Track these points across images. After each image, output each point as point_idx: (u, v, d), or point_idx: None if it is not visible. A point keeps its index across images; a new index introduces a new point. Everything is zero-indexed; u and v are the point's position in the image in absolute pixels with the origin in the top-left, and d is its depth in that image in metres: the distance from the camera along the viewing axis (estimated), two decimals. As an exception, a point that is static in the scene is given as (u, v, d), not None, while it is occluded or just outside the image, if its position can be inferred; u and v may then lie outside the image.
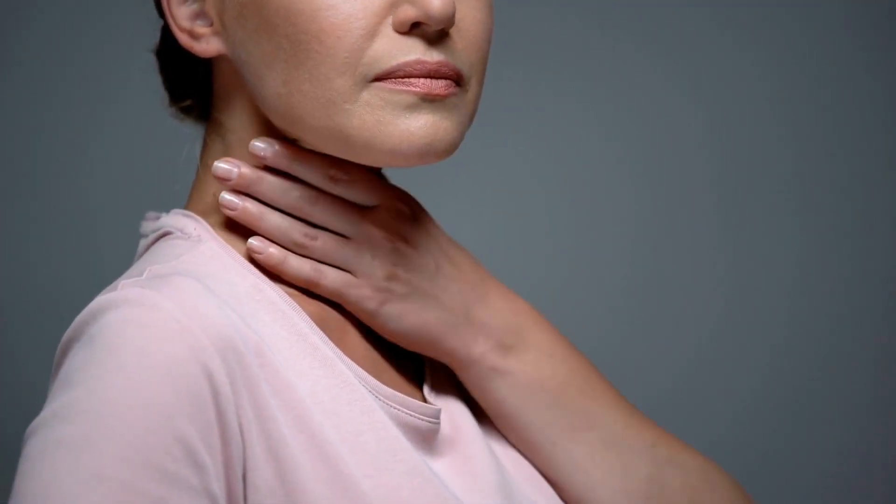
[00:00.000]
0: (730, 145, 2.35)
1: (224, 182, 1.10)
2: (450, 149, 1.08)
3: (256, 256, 1.10)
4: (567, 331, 1.20)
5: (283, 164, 1.10)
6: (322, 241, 1.11)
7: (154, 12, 1.16)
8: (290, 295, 1.09)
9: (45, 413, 0.94)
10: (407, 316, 1.12)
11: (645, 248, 2.36)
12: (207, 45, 1.11)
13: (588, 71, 2.34)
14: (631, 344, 2.36)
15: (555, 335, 1.18)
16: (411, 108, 1.06)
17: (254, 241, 1.10)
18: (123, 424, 0.92)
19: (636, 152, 2.36)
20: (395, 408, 1.08)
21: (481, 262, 1.21)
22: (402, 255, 1.13)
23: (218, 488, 0.95)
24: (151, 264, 1.04)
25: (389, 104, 1.05)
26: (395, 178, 1.17)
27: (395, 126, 1.05)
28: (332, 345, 1.07)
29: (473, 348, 1.14)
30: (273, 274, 1.11)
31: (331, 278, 1.11)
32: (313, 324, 1.08)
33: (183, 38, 1.11)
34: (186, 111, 1.18)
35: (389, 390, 1.08)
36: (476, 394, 1.16)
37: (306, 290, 1.12)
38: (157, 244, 1.11)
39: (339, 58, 1.05)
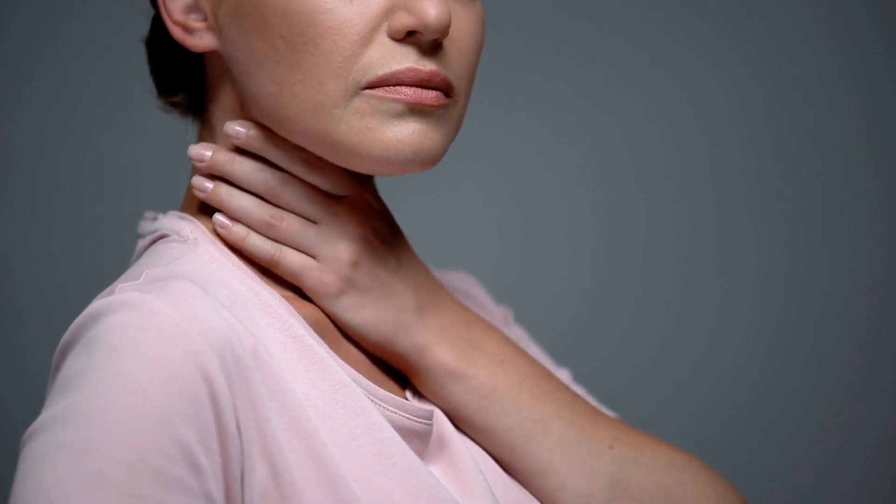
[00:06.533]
0: (693, 141, 2.37)
1: (197, 164, 1.11)
2: (434, 159, 1.08)
3: (220, 231, 1.10)
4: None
5: (257, 146, 1.10)
6: (287, 223, 1.10)
7: (146, 3, 1.16)
8: (286, 298, 1.09)
9: (45, 416, 0.95)
10: (364, 308, 1.11)
11: (619, 244, 2.38)
12: (200, 40, 1.11)
13: (559, 86, 2.36)
14: (604, 335, 2.37)
15: (504, 342, 1.17)
16: (399, 115, 1.05)
17: (219, 217, 1.11)
18: (122, 428, 0.92)
19: (604, 153, 2.37)
20: (391, 410, 1.08)
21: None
22: (369, 244, 1.12)
23: (216, 490, 0.95)
24: (148, 267, 1.04)
25: (378, 111, 1.05)
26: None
27: (382, 133, 1.05)
28: (327, 348, 1.07)
29: (426, 352, 1.13)
30: (269, 277, 1.11)
31: (291, 259, 1.10)
32: (309, 327, 1.08)
33: (176, 32, 1.11)
34: (174, 105, 1.18)
35: (385, 393, 1.08)
36: (432, 398, 1.15)
37: (303, 294, 1.12)
38: (153, 246, 1.11)
39: (334, 62, 1.05)
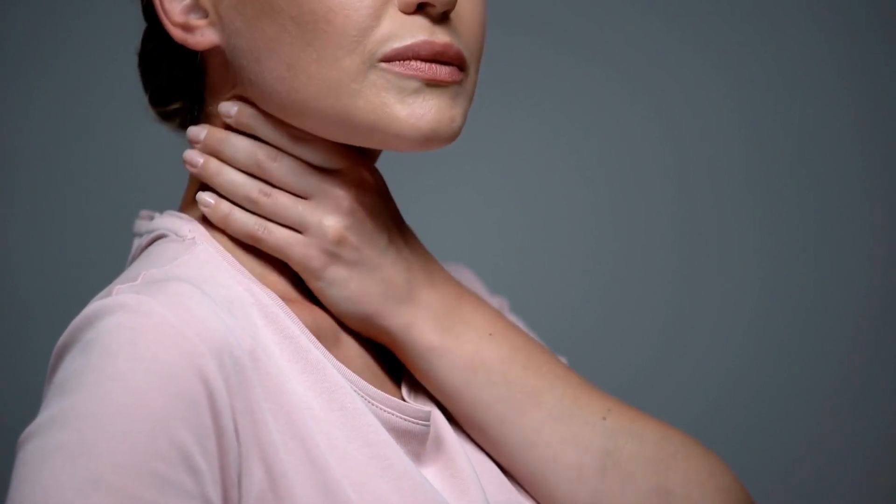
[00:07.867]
0: (693, 141, 2.37)
1: (194, 144, 1.12)
2: (453, 136, 1.08)
3: (204, 209, 1.10)
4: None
5: (246, 122, 1.11)
6: (275, 198, 1.10)
7: (146, 1, 1.15)
8: (283, 299, 1.09)
9: (42, 419, 0.95)
10: (349, 283, 1.10)
11: (619, 244, 2.38)
12: (202, 37, 1.11)
13: (560, 86, 2.36)
14: (604, 335, 2.37)
15: (496, 316, 1.16)
16: (416, 92, 1.06)
17: (203, 195, 1.11)
18: (119, 430, 0.92)
19: (604, 153, 2.37)
20: (387, 411, 1.07)
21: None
22: (357, 220, 1.11)
23: (213, 493, 0.95)
24: (146, 268, 1.04)
25: (394, 87, 1.06)
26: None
27: (399, 110, 1.06)
28: (323, 349, 1.07)
29: (412, 327, 1.12)
30: (266, 279, 1.11)
31: (276, 235, 1.10)
32: (305, 328, 1.07)
33: (176, 33, 1.11)
34: (169, 116, 1.18)
35: (381, 394, 1.08)
36: (418, 375, 1.14)
37: (303, 295, 1.12)
38: (151, 246, 1.10)
39: (348, 37, 1.05)
